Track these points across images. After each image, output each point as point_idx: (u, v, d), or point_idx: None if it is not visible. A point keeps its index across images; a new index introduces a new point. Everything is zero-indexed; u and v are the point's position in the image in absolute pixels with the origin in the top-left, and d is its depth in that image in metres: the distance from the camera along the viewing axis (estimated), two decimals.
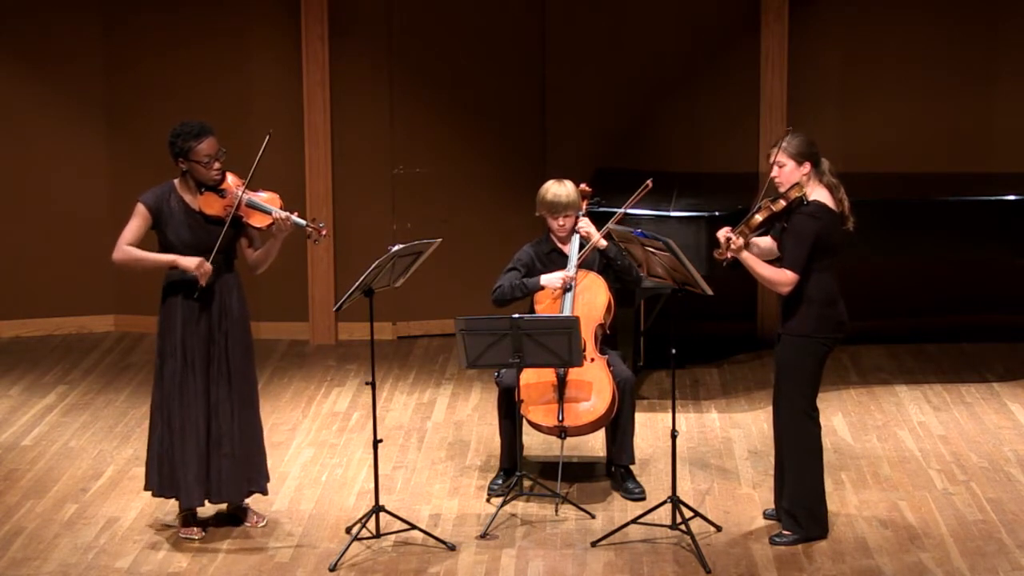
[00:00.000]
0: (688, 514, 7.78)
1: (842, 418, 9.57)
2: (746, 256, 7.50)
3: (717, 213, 9.65)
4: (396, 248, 7.73)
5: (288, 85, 11.35)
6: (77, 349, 11.34)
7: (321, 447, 9.22)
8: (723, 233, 7.52)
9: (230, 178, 7.73)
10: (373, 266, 7.65)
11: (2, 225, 11.64)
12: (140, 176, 11.30)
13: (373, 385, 7.92)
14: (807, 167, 7.54)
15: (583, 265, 8.48)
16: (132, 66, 11.50)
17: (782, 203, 7.49)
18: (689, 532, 7.63)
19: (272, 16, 11.36)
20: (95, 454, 9.10)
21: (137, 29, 11.47)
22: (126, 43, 11.50)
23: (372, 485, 7.95)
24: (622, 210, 8.53)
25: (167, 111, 11.27)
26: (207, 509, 7.99)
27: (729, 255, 7.52)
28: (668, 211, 9.72)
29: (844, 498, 8.24)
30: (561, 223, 8.47)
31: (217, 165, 7.67)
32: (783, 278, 7.46)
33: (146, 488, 7.90)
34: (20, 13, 11.44)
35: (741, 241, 7.49)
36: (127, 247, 7.70)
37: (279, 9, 11.33)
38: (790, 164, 7.53)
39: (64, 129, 11.60)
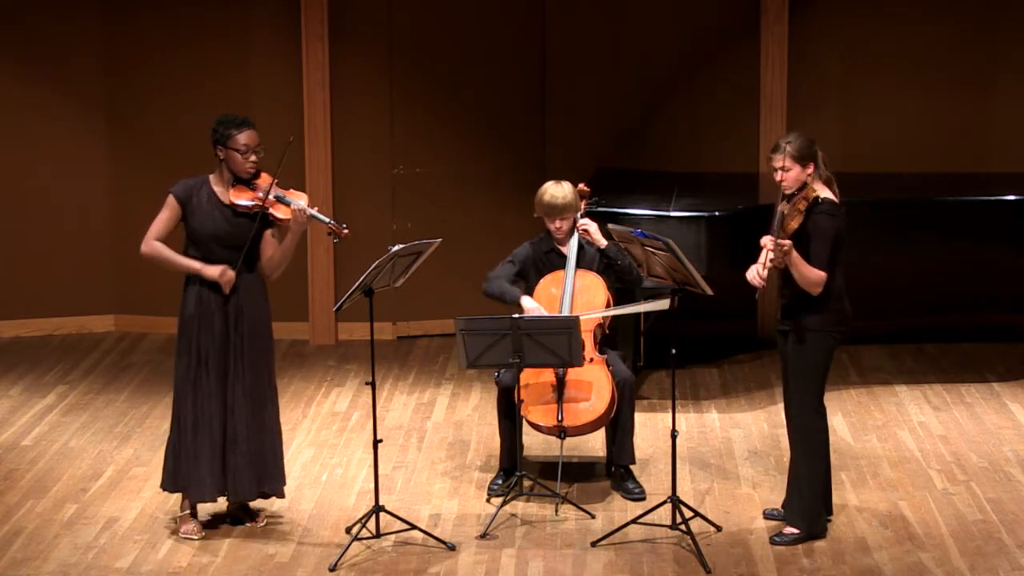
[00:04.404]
0: (688, 514, 7.77)
1: (842, 418, 9.57)
2: (795, 257, 7.46)
3: (717, 213, 9.66)
4: (396, 248, 7.74)
5: (288, 85, 11.35)
6: (77, 349, 11.34)
7: (321, 447, 9.22)
8: (770, 241, 7.45)
9: (263, 175, 7.79)
10: (373, 266, 7.65)
11: (2, 225, 11.64)
12: (140, 176, 11.35)
13: (373, 385, 7.92)
14: (811, 167, 7.54)
15: (583, 265, 8.48)
16: (132, 66, 11.50)
17: (804, 203, 7.47)
18: (689, 532, 7.63)
19: (272, 16, 11.36)
20: (95, 454, 9.11)
21: (137, 29, 11.47)
22: (126, 43, 11.50)
23: (372, 485, 7.95)
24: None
25: (167, 111, 11.30)
26: (209, 508, 7.99)
27: (781, 259, 7.44)
28: (668, 211, 9.72)
29: (844, 498, 8.24)
30: (558, 225, 8.46)
31: (253, 158, 7.72)
32: (819, 277, 7.46)
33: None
34: (20, 13, 11.44)
35: (789, 243, 7.44)
36: (155, 243, 7.76)
37: (279, 9, 11.33)
38: (795, 168, 7.52)
39: (64, 129, 11.60)
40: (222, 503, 8.02)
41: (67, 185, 11.65)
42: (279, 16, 11.34)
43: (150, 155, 11.32)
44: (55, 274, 11.72)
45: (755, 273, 7.51)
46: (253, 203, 7.72)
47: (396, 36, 11.38)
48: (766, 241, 7.46)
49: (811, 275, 7.46)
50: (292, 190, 7.88)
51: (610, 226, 8.04)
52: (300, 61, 11.27)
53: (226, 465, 7.81)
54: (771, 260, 7.44)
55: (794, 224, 7.46)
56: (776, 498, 8.11)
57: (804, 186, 7.51)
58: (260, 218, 7.74)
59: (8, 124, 11.56)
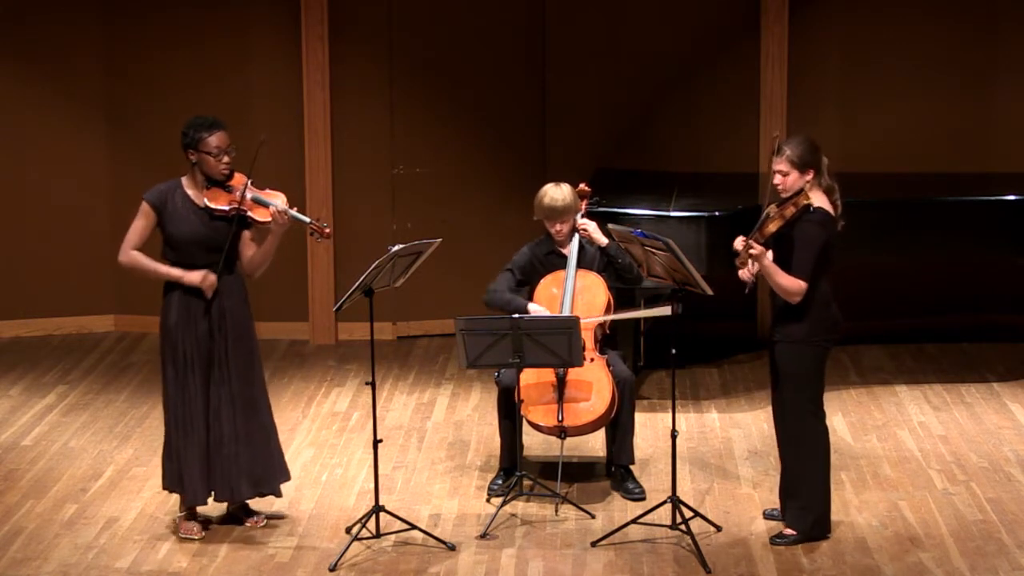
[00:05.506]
0: (688, 514, 7.78)
1: (842, 418, 9.57)
2: (767, 264, 7.43)
3: (717, 213, 9.66)
4: (396, 248, 7.73)
5: (288, 85, 11.35)
6: (77, 349, 11.34)
7: (321, 447, 9.22)
8: (740, 241, 7.46)
9: (237, 176, 7.76)
10: (373, 266, 7.65)
11: (2, 225, 11.64)
12: (140, 176, 11.30)
13: (373, 385, 7.92)
14: (811, 174, 7.47)
15: (584, 265, 8.48)
16: (132, 66, 11.50)
17: (792, 209, 7.41)
18: (689, 532, 7.63)
19: (272, 16, 11.36)
20: (95, 454, 9.11)
21: (137, 29, 11.47)
22: (126, 43, 11.50)
23: (372, 485, 7.95)
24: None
25: (167, 111, 11.28)
26: (209, 509, 7.99)
27: (749, 262, 7.43)
28: (668, 211, 9.73)
29: (844, 498, 8.24)
30: (558, 228, 8.45)
31: (226, 159, 7.69)
32: (797, 287, 7.41)
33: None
34: (20, 13, 11.44)
35: (760, 247, 7.41)
36: (133, 252, 7.72)
37: (279, 9, 11.33)
38: (793, 173, 7.47)
39: (64, 129, 11.60)
40: (222, 504, 8.02)
41: (67, 185, 11.65)
42: (279, 16, 11.34)
43: (150, 155, 11.31)
44: (55, 274, 11.72)
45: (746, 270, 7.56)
46: (230, 207, 7.69)
47: (396, 36, 11.38)
48: (738, 242, 7.45)
49: (786, 283, 7.41)
50: (268, 190, 7.82)
51: (610, 226, 8.04)
52: (300, 61, 11.27)
53: (213, 467, 7.80)
54: (737, 259, 7.44)
55: (772, 228, 7.39)
56: (776, 498, 8.10)
57: (799, 192, 7.45)
58: (238, 220, 7.72)
59: (8, 124, 11.56)
